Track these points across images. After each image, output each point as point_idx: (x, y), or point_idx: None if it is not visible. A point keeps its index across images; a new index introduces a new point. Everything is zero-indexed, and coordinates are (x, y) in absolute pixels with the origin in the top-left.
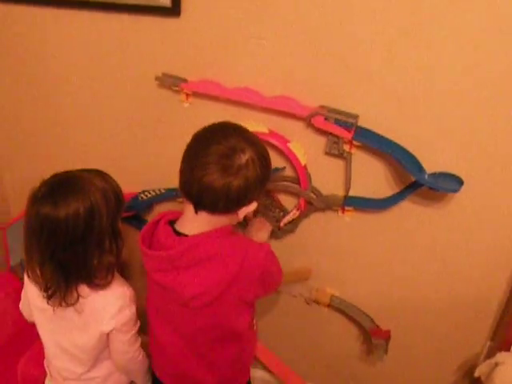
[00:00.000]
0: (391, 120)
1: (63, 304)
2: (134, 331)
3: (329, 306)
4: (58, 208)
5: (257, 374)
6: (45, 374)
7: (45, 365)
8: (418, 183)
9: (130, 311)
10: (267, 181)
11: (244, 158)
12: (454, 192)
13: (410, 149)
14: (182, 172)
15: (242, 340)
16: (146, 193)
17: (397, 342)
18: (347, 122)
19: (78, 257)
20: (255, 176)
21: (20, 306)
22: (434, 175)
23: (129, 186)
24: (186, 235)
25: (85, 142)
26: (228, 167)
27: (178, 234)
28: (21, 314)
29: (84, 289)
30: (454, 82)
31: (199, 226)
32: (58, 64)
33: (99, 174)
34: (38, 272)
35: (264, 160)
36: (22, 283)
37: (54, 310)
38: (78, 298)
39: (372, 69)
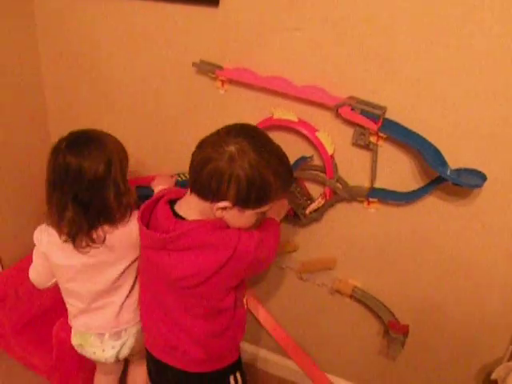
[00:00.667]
0: (419, 113)
1: (90, 244)
2: None
3: (351, 296)
4: (82, 157)
5: (274, 357)
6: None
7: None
8: (442, 179)
9: None
10: (250, 203)
11: (233, 148)
12: (477, 187)
13: (436, 143)
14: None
15: (227, 317)
16: (182, 175)
17: (415, 339)
18: (374, 113)
19: (98, 198)
20: (241, 188)
21: (31, 276)
22: (457, 171)
23: (167, 167)
24: (183, 218)
25: (125, 124)
26: (220, 152)
27: (177, 215)
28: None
29: (106, 228)
30: (484, 79)
31: (195, 211)
32: (107, 49)
33: (108, 134)
34: (61, 218)
35: (262, 177)
36: None
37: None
38: (104, 236)
39: (401, 61)
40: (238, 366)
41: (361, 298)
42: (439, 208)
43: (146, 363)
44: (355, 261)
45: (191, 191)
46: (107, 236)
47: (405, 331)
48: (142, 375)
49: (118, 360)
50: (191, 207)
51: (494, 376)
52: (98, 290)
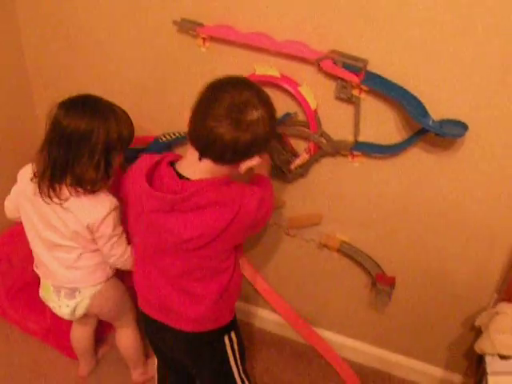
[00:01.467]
0: (400, 66)
1: (51, 195)
2: (115, 237)
3: (338, 251)
4: (66, 116)
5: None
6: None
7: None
8: (424, 130)
9: (111, 218)
10: (272, 140)
11: (256, 114)
12: (459, 137)
13: (418, 95)
14: (193, 119)
15: (226, 279)
16: (166, 135)
17: (401, 291)
18: (355, 66)
19: (68, 157)
20: (263, 133)
21: (5, 202)
22: (440, 122)
23: (149, 129)
24: (188, 179)
25: (106, 86)
26: (239, 122)
27: (181, 176)
28: None
29: (70, 189)
30: (464, 29)
31: (201, 172)
32: (86, 13)
33: (116, 113)
34: (37, 157)
35: (273, 120)
36: None
37: (43, 199)
38: (67, 197)
39: (382, 14)
40: (232, 325)
41: (348, 252)
42: (423, 160)
43: (144, 325)
44: (342, 215)
45: (203, 158)
46: (70, 199)
47: (391, 283)
48: (128, 338)
49: (75, 318)
50: (198, 168)
51: (477, 323)
52: (53, 242)
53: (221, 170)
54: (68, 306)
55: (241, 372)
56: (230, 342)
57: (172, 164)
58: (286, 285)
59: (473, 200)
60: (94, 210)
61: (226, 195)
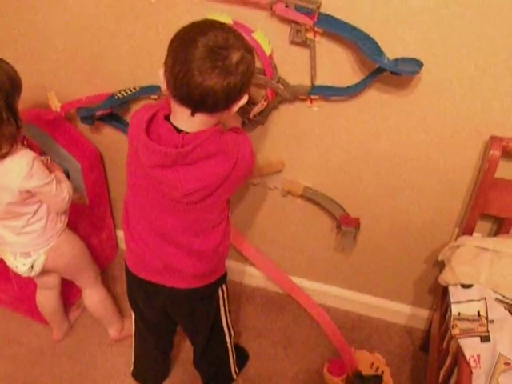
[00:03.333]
0: (353, 6)
1: None
2: (52, 185)
3: (301, 196)
4: None
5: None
6: None
7: None
8: (380, 70)
9: (37, 169)
10: (254, 73)
11: (238, 54)
12: (414, 74)
13: (372, 34)
14: (174, 77)
15: (220, 232)
16: (122, 92)
17: (365, 232)
18: (308, 8)
19: None
20: (249, 70)
21: None
22: (395, 60)
23: (105, 86)
24: (186, 132)
25: (57, 43)
26: (226, 68)
27: (178, 130)
28: None
29: None
30: None
31: (197, 124)
32: None
33: None
34: None
35: (252, 52)
36: None
37: None
38: None
39: None
40: (225, 277)
41: (312, 197)
42: (380, 100)
43: (130, 292)
44: (303, 161)
45: (196, 113)
46: None
47: (356, 224)
48: (95, 297)
49: (35, 274)
50: (192, 122)
51: (440, 257)
52: None
53: (214, 119)
54: (24, 265)
55: (228, 322)
56: (222, 294)
57: (166, 118)
58: (252, 234)
59: (430, 136)
60: (16, 170)
61: (224, 144)
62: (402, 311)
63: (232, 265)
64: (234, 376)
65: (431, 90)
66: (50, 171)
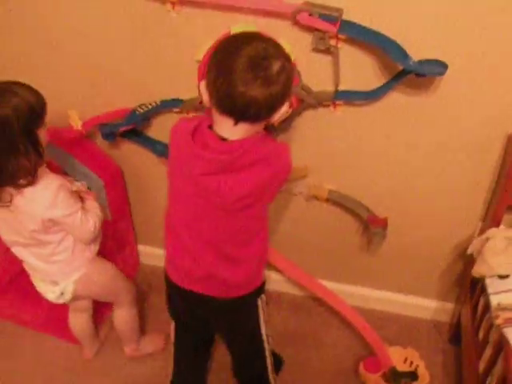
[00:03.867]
0: (375, 11)
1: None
2: (76, 215)
3: (327, 200)
4: None
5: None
6: None
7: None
8: (404, 73)
9: (62, 198)
10: (293, 81)
11: (278, 63)
12: (440, 75)
13: (395, 38)
14: (218, 87)
15: (261, 240)
16: (143, 106)
17: (393, 229)
18: (331, 15)
19: None
20: (289, 79)
21: None
22: (419, 62)
23: (125, 101)
24: (232, 141)
25: (75, 62)
26: (267, 78)
27: (222, 139)
28: None
29: (11, 190)
30: None
31: (240, 133)
32: None
33: (13, 88)
34: None
35: (291, 61)
36: None
37: None
38: (10, 198)
39: None
40: (264, 286)
41: (337, 200)
42: (404, 102)
43: (171, 302)
44: (327, 165)
45: (239, 123)
46: (14, 198)
47: (384, 224)
48: (124, 316)
49: (66, 301)
50: (235, 131)
51: (469, 251)
52: (23, 243)
53: (256, 128)
54: (53, 293)
55: (266, 330)
56: (261, 303)
57: (210, 128)
58: (279, 241)
59: (452, 134)
60: (40, 200)
61: (267, 152)
62: (427, 306)
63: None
64: (272, 382)
65: (452, 90)
66: (82, 199)
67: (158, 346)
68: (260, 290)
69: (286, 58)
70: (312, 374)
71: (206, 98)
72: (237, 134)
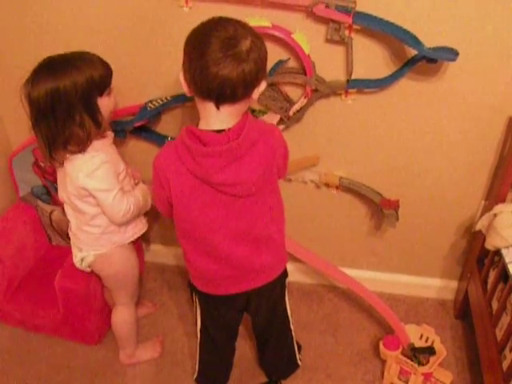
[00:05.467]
0: (386, 2)
1: (55, 163)
2: (110, 193)
3: (337, 187)
4: (33, 88)
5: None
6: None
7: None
8: (414, 61)
9: (102, 172)
10: (266, 58)
11: (247, 42)
12: (452, 61)
13: (407, 27)
14: (193, 76)
15: (282, 215)
16: (154, 102)
17: (401, 212)
18: (347, 7)
19: (51, 127)
20: (261, 56)
21: None
22: (432, 48)
23: (136, 97)
24: (226, 131)
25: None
26: (238, 55)
27: (217, 131)
28: (42, 239)
29: (64, 153)
30: None
31: (225, 120)
32: None
33: (76, 61)
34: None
35: (261, 39)
36: (36, 211)
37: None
38: (62, 160)
39: None
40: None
41: (348, 186)
42: (413, 88)
43: (218, 310)
44: (338, 153)
45: (220, 106)
46: (66, 161)
47: (396, 206)
48: (123, 316)
49: (85, 269)
50: (221, 118)
51: (478, 227)
52: (67, 202)
53: (240, 109)
54: (76, 257)
55: (290, 309)
56: (286, 282)
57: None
58: (291, 230)
59: (458, 120)
60: (81, 166)
61: (261, 130)
62: (432, 285)
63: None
64: (299, 362)
65: (458, 74)
66: (135, 179)
67: (154, 354)
68: (286, 268)
69: (256, 36)
70: (330, 358)
71: (186, 88)
72: (224, 120)
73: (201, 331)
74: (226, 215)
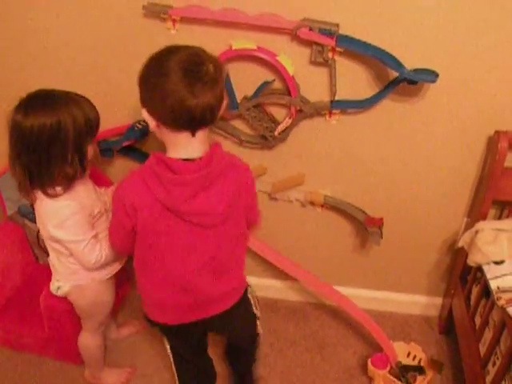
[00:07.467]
0: (368, 26)
1: (28, 198)
2: (79, 244)
3: (323, 206)
4: (27, 118)
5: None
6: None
7: None
8: (396, 82)
9: (72, 223)
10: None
11: (211, 64)
12: (432, 82)
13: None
14: (170, 107)
15: (246, 242)
16: (142, 122)
17: (388, 229)
18: (330, 30)
19: (41, 163)
20: (224, 72)
21: None
22: (413, 71)
23: (124, 118)
24: (194, 159)
25: (74, 76)
26: (212, 81)
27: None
28: (29, 258)
29: (38, 193)
30: None
31: (197, 148)
32: None
33: (77, 98)
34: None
35: (217, 58)
36: (23, 230)
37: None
38: (34, 200)
39: None
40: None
41: (333, 204)
42: (395, 109)
43: (177, 343)
44: (322, 172)
45: (196, 132)
46: (37, 201)
47: (380, 224)
48: (90, 342)
49: (60, 295)
50: (197, 145)
51: (460, 244)
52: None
53: (207, 134)
54: (53, 284)
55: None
56: (250, 290)
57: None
58: (277, 248)
59: (439, 136)
60: (51, 216)
61: (228, 158)
62: (417, 301)
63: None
64: (260, 331)
65: (439, 95)
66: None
67: (117, 382)
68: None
69: (212, 55)
70: (317, 375)
71: (152, 123)
72: (196, 149)
73: (171, 351)
74: (191, 244)
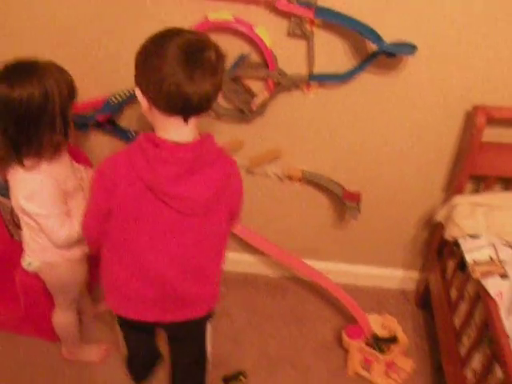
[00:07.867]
0: None
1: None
2: (48, 219)
3: (300, 180)
4: (14, 89)
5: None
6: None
7: None
8: (375, 55)
9: (43, 197)
10: None
11: (213, 52)
12: (410, 54)
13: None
14: (166, 90)
15: (223, 247)
16: (117, 96)
17: (365, 204)
18: (309, 1)
19: (30, 135)
20: (224, 62)
21: None
22: (391, 44)
23: (99, 89)
24: (186, 143)
25: (47, 46)
26: (212, 68)
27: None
28: (4, 235)
29: (14, 165)
30: None
31: (188, 133)
32: None
33: (54, 64)
34: None
35: (220, 47)
36: None
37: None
38: (6, 171)
39: None
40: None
41: (311, 178)
42: (374, 82)
43: (133, 332)
44: (300, 146)
45: (188, 119)
46: (9, 171)
47: (358, 198)
48: (64, 319)
49: (31, 271)
50: (189, 131)
51: (438, 218)
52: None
53: (199, 121)
54: (24, 260)
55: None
56: (210, 320)
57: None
58: (255, 223)
59: (417, 113)
60: (21, 187)
61: (221, 153)
62: (394, 275)
63: (232, 256)
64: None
65: (417, 70)
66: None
67: (94, 358)
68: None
69: (214, 43)
70: (295, 348)
71: (145, 103)
72: (186, 133)
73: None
74: (168, 233)
